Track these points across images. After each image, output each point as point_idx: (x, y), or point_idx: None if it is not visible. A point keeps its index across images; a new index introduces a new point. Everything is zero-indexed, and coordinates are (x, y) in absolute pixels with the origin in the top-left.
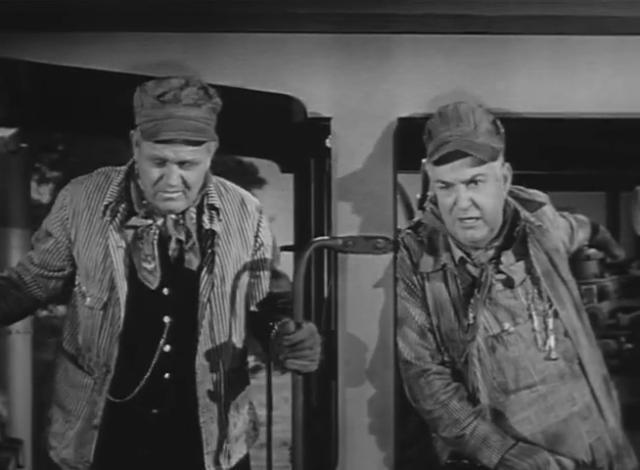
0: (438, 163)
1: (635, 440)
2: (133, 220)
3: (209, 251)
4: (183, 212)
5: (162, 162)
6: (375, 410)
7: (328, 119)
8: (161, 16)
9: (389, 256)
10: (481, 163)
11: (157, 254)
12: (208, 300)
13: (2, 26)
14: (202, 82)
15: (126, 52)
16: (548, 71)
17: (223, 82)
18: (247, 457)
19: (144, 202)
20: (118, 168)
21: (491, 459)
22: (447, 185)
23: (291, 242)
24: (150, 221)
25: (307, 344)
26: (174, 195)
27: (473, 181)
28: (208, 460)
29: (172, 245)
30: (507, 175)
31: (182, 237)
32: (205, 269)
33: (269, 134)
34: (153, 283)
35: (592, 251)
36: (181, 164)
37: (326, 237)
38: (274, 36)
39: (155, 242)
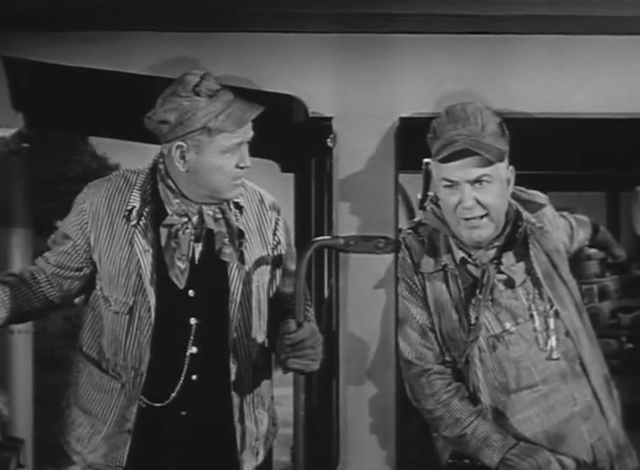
0: (446, 160)
1: (636, 439)
2: (168, 219)
3: (240, 249)
4: (220, 207)
5: (239, 146)
6: (376, 410)
7: (329, 119)
8: (161, 15)
9: (391, 256)
10: (488, 163)
11: (191, 253)
12: (239, 299)
13: (2, 26)
14: (203, 70)
15: (126, 52)
16: (549, 71)
17: (224, 82)
18: (270, 454)
19: (176, 200)
20: (136, 171)
21: (492, 459)
22: (452, 184)
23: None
24: (185, 219)
25: (309, 343)
26: (243, 178)
27: (478, 181)
28: (241, 459)
29: (214, 239)
30: (510, 178)
31: (224, 230)
32: (235, 267)
33: (270, 134)
34: (182, 283)
35: (593, 251)
36: (247, 142)
37: (327, 237)
38: (275, 36)
39: (191, 241)
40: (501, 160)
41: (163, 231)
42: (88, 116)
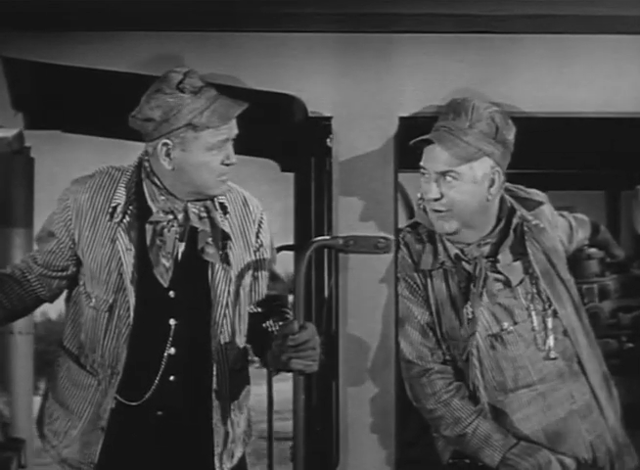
0: (416, 146)
1: (636, 438)
2: (154, 216)
3: (222, 251)
4: (204, 205)
5: (224, 143)
6: (376, 410)
7: (329, 119)
8: (161, 15)
9: (390, 255)
10: (461, 160)
11: (175, 251)
12: (224, 301)
13: (2, 26)
14: (185, 67)
15: (126, 51)
16: (549, 71)
17: (223, 82)
18: (244, 456)
19: (162, 198)
20: (120, 168)
21: (493, 458)
22: (424, 173)
23: (291, 242)
24: (171, 216)
25: (311, 344)
26: (229, 175)
27: (444, 176)
28: (218, 461)
29: (197, 239)
30: (494, 179)
31: (208, 229)
32: (220, 269)
33: (270, 133)
34: (166, 281)
35: (593, 250)
36: (233, 140)
37: (327, 237)
38: (275, 35)
39: (176, 239)
40: (471, 159)
41: (149, 228)
42: (88, 116)
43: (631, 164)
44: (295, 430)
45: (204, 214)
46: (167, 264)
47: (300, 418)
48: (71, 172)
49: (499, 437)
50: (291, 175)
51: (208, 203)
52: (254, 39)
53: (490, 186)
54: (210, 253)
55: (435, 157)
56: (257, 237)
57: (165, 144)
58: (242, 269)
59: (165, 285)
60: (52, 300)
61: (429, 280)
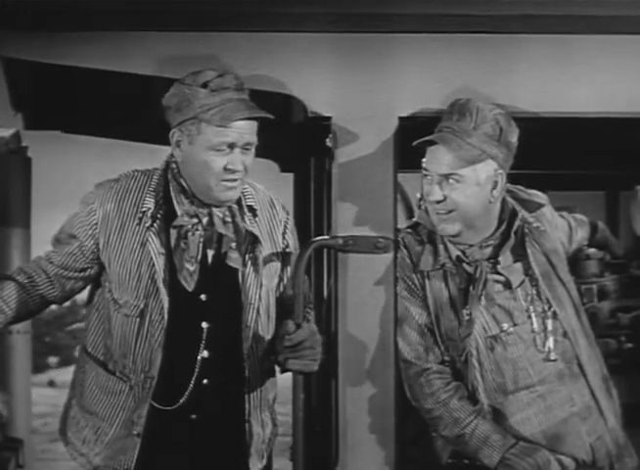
0: (419, 147)
1: (636, 439)
2: (178, 220)
3: (251, 254)
4: (230, 209)
5: (228, 147)
6: (375, 410)
7: (328, 119)
8: (162, 16)
9: (390, 255)
10: (465, 163)
11: (200, 255)
12: (256, 304)
13: (2, 26)
14: (230, 71)
15: (126, 51)
16: (549, 71)
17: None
18: (270, 455)
19: (187, 201)
20: (147, 171)
21: (492, 458)
22: (427, 174)
23: None
24: (195, 220)
25: (308, 344)
26: (236, 183)
27: (447, 178)
28: (251, 462)
29: (222, 243)
30: (497, 182)
31: (231, 234)
32: (250, 272)
33: (269, 133)
34: (190, 285)
35: (592, 250)
36: (242, 147)
37: (326, 236)
38: (275, 35)
39: (200, 243)
40: (473, 162)
41: (173, 232)
42: (88, 116)
43: (631, 165)
44: (294, 429)
45: (228, 219)
46: (191, 269)
47: (300, 418)
48: (69, 173)
49: (498, 437)
50: (290, 175)
51: (234, 207)
52: (255, 39)
53: (493, 188)
54: (234, 258)
55: (439, 158)
56: (284, 237)
57: (175, 133)
58: (270, 271)
59: (190, 289)
60: (62, 301)
61: (427, 281)
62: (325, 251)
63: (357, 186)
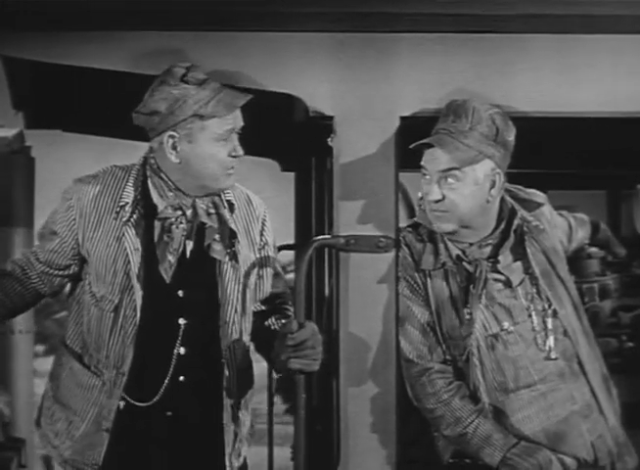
0: (417, 149)
1: (636, 438)
2: (162, 212)
3: (230, 250)
4: (213, 201)
5: (230, 134)
6: (377, 409)
7: (330, 118)
8: (162, 14)
9: (391, 254)
10: (461, 164)
11: (181, 248)
12: (234, 300)
13: (2, 26)
14: (185, 61)
15: (125, 51)
16: (550, 71)
17: (224, 81)
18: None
19: (170, 193)
20: (125, 167)
21: (494, 458)
22: (426, 173)
23: (292, 241)
24: (180, 212)
25: (310, 343)
26: (234, 169)
27: (445, 176)
28: (228, 460)
29: (205, 236)
30: (495, 181)
31: (216, 225)
32: (229, 268)
33: (271, 133)
34: (168, 277)
35: (593, 249)
36: (237, 132)
37: (327, 236)
38: (276, 35)
39: (183, 235)
40: (472, 163)
41: (157, 225)
42: (89, 115)
43: (632, 164)
44: (295, 429)
45: (212, 210)
46: (172, 260)
47: (301, 418)
48: (72, 172)
49: (499, 436)
50: (291, 175)
51: (217, 199)
52: (255, 39)
53: (491, 188)
54: (217, 249)
55: (437, 158)
56: (262, 235)
57: (172, 136)
58: (248, 268)
59: (168, 281)
60: (53, 296)
61: (429, 280)
62: (326, 250)
63: (359, 185)
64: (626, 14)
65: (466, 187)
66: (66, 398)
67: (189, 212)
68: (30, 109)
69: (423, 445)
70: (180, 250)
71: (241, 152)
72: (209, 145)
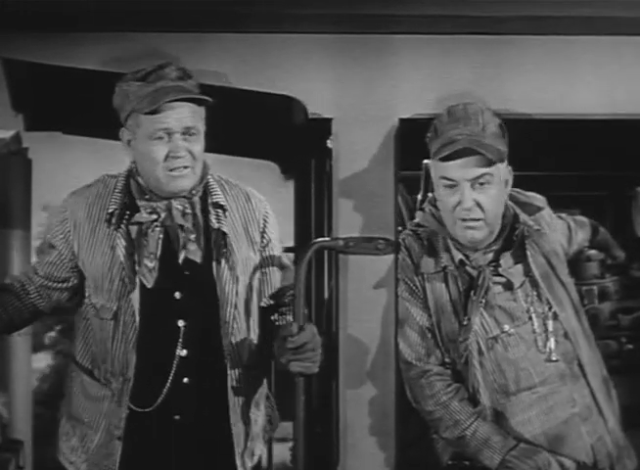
0: (446, 159)
1: (636, 440)
2: (137, 217)
3: (224, 250)
4: (190, 202)
5: (167, 134)
6: (376, 411)
7: (329, 120)
8: (160, 16)
9: (391, 257)
10: (489, 163)
11: (159, 252)
12: (232, 300)
13: (2, 27)
14: (177, 64)
15: (125, 52)
16: (550, 72)
17: (223, 82)
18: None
19: (146, 196)
20: (116, 175)
21: (493, 460)
22: (452, 184)
23: (291, 243)
24: (154, 216)
25: (310, 345)
26: (184, 171)
27: (478, 182)
28: (239, 460)
29: (181, 236)
30: (508, 179)
31: (189, 225)
32: (225, 268)
33: (270, 135)
34: (149, 282)
35: (593, 252)
36: (184, 133)
37: (327, 238)
38: (275, 36)
39: (160, 239)
40: (502, 160)
41: (133, 229)
42: (88, 117)
43: (631, 166)
44: (295, 431)
45: (188, 211)
46: (151, 265)
47: (300, 420)
48: (70, 174)
49: (499, 439)
50: (291, 177)
51: (195, 200)
52: (254, 40)
53: (506, 186)
54: (192, 250)
55: (466, 165)
56: (264, 233)
57: (123, 131)
58: (248, 267)
59: (149, 286)
60: (51, 312)
61: (427, 283)
62: (326, 252)
63: (358, 187)
64: (625, 16)
65: (495, 188)
66: (78, 413)
67: (163, 215)
68: (30, 110)
69: (422, 447)
70: (158, 254)
71: (181, 153)
72: (145, 143)
